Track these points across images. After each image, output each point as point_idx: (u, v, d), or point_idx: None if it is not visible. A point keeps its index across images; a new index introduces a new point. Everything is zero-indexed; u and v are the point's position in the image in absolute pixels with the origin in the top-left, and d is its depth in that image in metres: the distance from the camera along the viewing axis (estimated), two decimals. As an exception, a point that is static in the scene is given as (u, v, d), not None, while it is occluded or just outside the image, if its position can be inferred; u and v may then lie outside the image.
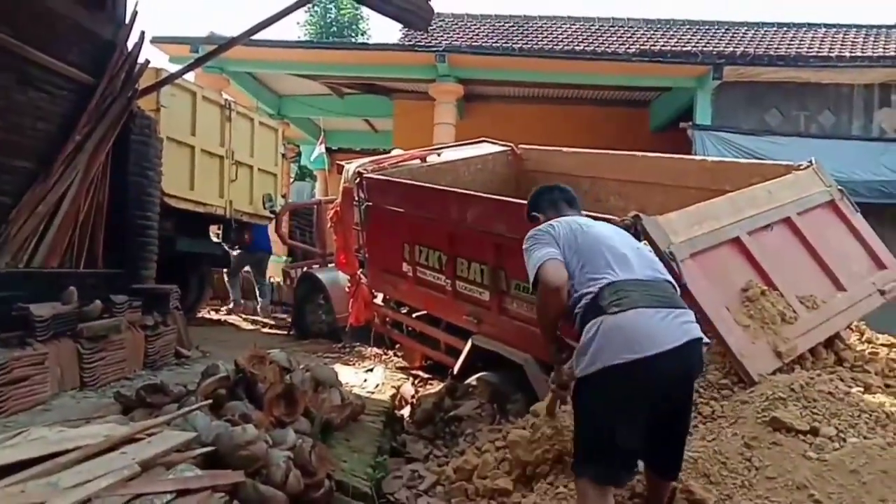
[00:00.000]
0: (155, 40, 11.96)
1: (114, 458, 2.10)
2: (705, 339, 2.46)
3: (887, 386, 3.62)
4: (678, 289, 2.60)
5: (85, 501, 1.81)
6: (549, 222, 2.75)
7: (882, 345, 4.22)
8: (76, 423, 3.03)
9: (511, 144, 7.14)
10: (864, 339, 4.25)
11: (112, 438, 2.23)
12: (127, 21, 6.09)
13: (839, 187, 4.60)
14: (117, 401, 3.83)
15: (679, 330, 2.28)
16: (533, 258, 2.55)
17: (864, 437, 2.82)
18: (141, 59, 6.14)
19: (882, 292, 4.21)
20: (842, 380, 3.39)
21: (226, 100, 8.96)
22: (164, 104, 7.44)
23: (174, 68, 7.74)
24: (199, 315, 9.73)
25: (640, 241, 3.09)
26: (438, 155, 6.93)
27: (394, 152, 7.27)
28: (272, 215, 9.74)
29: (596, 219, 3.01)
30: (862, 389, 3.38)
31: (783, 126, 11.50)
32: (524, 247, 2.70)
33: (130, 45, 6.06)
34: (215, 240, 9.94)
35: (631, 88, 13.25)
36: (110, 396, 4.13)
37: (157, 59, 13.65)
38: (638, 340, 2.21)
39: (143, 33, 6.24)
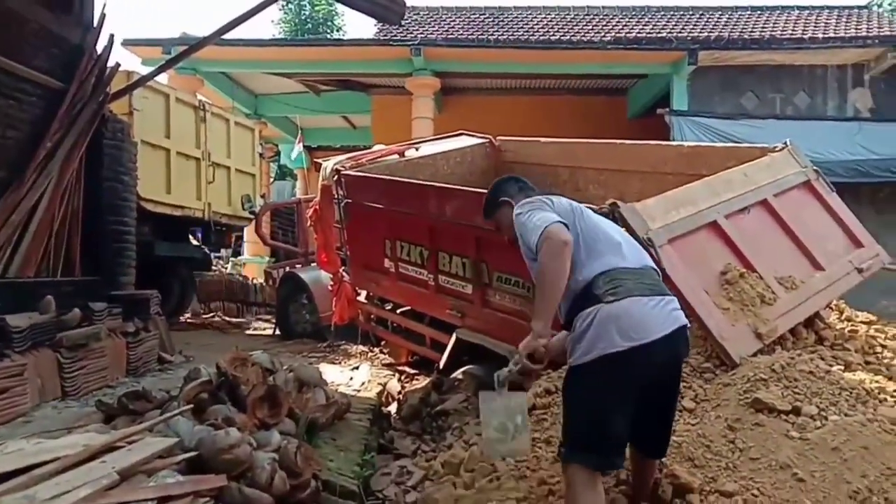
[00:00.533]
0: (126, 43, 11.83)
1: (93, 468, 2.06)
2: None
3: (867, 363, 3.66)
4: (661, 275, 2.61)
5: (63, 513, 1.78)
6: (546, 196, 2.63)
7: (862, 322, 4.27)
8: (56, 433, 2.98)
9: (489, 136, 7.13)
10: (843, 317, 4.29)
11: (91, 448, 2.19)
12: (95, 24, 6.00)
13: (814, 167, 4.64)
14: (99, 409, 3.77)
15: (669, 317, 2.32)
16: (533, 220, 2.44)
17: (845, 415, 2.85)
18: (111, 63, 6.06)
19: (860, 270, 4.26)
20: (822, 359, 3.42)
21: (200, 101, 8.87)
22: (137, 107, 7.36)
23: (147, 71, 7.65)
24: (182, 319, 9.65)
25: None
26: (416, 149, 6.90)
27: (375, 147, 7.23)
28: (251, 216, 9.67)
29: None
30: (842, 367, 3.42)
31: (759, 109, 11.59)
32: (516, 213, 2.59)
33: (100, 48, 5.97)
34: (195, 243, 9.85)
35: (607, 77, 13.27)
36: (92, 406, 4.07)
37: (128, 61, 13.48)
38: (633, 328, 2.23)
39: (112, 36, 6.16)
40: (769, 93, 11.79)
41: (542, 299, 2.39)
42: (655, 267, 2.55)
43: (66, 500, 1.81)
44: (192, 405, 3.22)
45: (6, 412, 3.95)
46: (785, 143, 4.69)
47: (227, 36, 6.89)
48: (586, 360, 2.28)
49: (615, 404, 2.29)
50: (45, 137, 5.36)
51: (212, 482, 2.29)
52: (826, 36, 12.07)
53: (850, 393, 3.01)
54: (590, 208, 3.37)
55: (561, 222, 2.39)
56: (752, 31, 12.76)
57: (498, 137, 7.12)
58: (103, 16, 6.05)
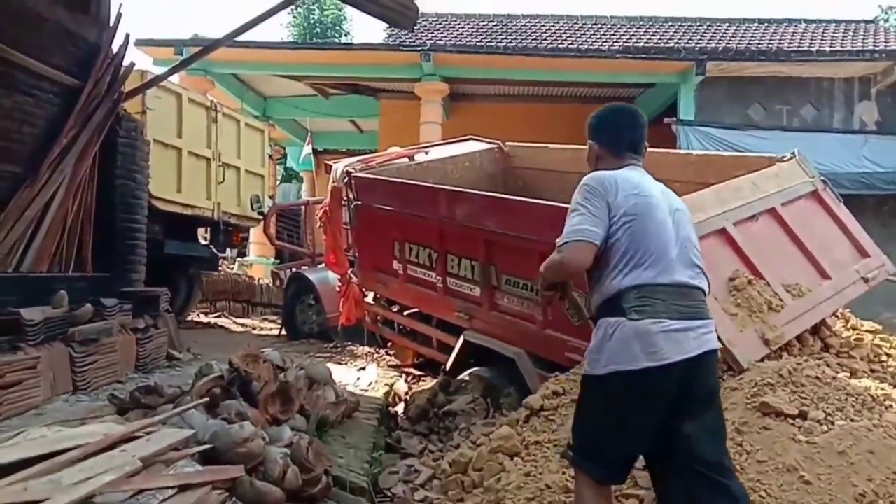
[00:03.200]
0: (139, 43, 11.92)
1: (114, 456, 2.11)
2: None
3: (872, 371, 3.70)
4: (708, 290, 2.41)
5: (88, 497, 1.82)
6: (617, 175, 2.38)
7: (867, 331, 4.30)
8: (73, 423, 3.02)
9: (498, 142, 7.18)
10: (849, 325, 4.32)
11: (111, 436, 2.24)
12: (111, 23, 6.07)
13: (822, 178, 4.68)
14: (111, 403, 3.82)
15: (695, 342, 2.21)
16: (573, 221, 2.30)
17: (851, 420, 2.87)
18: (126, 62, 6.12)
19: (866, 280, 4.29)
20: (828, 365, 3.45)
21: (211, 101, 8.93)
22: (150, 106, 7.42)
23: (159, 71, 7.72)
24: (189, 318, 9.70)
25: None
26: (426, 153, 6.96)
27: (391, 149, 7.27)
28: (260, 216, 9.73)
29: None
30: (848, 374, 3.45)
31: (766, 120, 11.64)
32: (574, 195, 2.39)
33: (115, 47, 6.04)
34: (203, 242, 9.91)
35: (615, 85, 13.33)
36: (103, 400, 4.11)
37: (141, 61, 13.52)
38: (653, 349, 2.15)
39: (127, 35, 6.23)
40: (776, 104, 11.84)
41: (542, 274, 2.39)
42: (703, 284, 2.36)
43: (91, 485, 1.85)
44: (205, 399, 3.26)
45: (19, 404, 3.99)
46: (793, 153, 4.73)
47: (239, 38, 6.96)
48: (601, 372, 2.23)
49: (625, 422, 2.23)
50: (61, 134, 5.42)
51: (229, 473, 2.34)
52: (833, 49, 12.14)
53: (857, 399, 3.04)
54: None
55: (589, 242, 2.25)
56: (759, 43, 12.85)
57: (507, 143, 7.17)
58: (119, 15, 6.12)
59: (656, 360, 2.14)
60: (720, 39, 13.31)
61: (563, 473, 2.91)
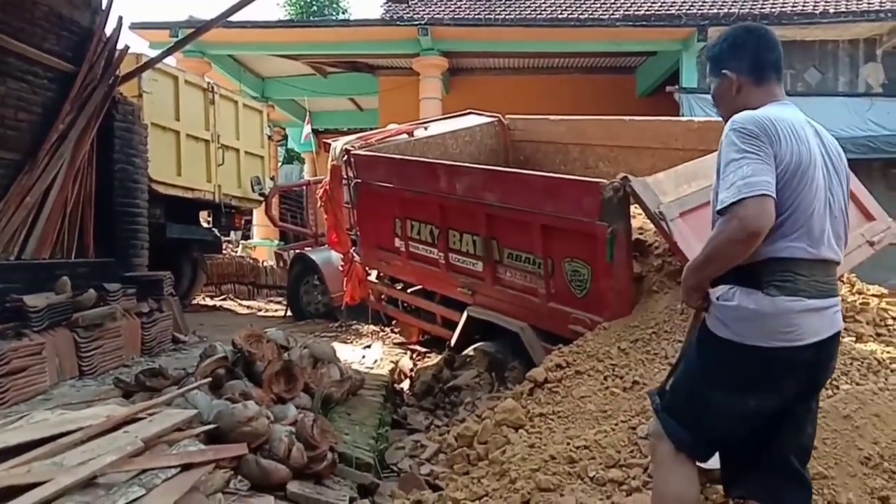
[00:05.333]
0: (134, 26, 11.85)
1: (116, 437, 2.11)
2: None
3: (878, 335, 3.68)
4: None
5: (91, 478, 1.83)
6: (772, 116, 1.94)
7: (873, 295, 4.27)
8: (78, 407, 3.04)
9: (498, 115, 7.11)
10: (854, 290, 4.29)
11: (114, 418, 2.25)
12: (104, 7, 6.01)
13: (825, 141, 4.60)
14: (117, 386, 3.84)
15: (828, 322, 1.98)
16: (739, 173, 1.84)
17: (857, 384, 2.87)
18: (120, 45, 6.08)
19: (871, 243, 4.24)
20: (833, 330, 3.43)
21: (209, 83, 8.86)
22: (147, 90, 7.38)
23: (154, 54, 7.66)
24: (195, 301, 9.73)
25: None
26: (426, 129, 6.89)
27: (390, 126, 7.20)
28: (261, 198, 9.71)
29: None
30: (854, 339, 3.44)
31: (769, 85, 11.47)
32: (725, 144, 1.94)
33: (109, 31, 6.00)
34: (206, 225, 9.91)
35: (616, 54, 13.19)
36: (109, 384, 4.14)
37: (137, 45, 13.49)
38: (788, 330, 1.91)
39: (120, 19, 6.19)
40: (780, 69, 11.67)
41: (704, 267, 1.98)
42: (841, 257, 2.08)
43: (93, 466, 1.85)
44: (209, 380, 3.27)
45: (26, 390, 4.03)
46: (795, 116, 4.65)
47: (234, 18, 6.89)
48: (727, 336, 1.96)
49: (738, 397, 1.98)
50: (57, 120, 5.41)
51: (232, 451, 2.34)
52: (837, 10, 11.93)
53: (862, 363, 3.03)
54: (599, 184, 3.41)
55: (770, 196, 1.82)
56: (762, 7, 12.62)
57: (507, 116, 7.10)
58: (111, -2, 6.06)
59: (791, 339, 1.91)
60: (722, 5, 13.08)
61: (567, 444, 2.91)
